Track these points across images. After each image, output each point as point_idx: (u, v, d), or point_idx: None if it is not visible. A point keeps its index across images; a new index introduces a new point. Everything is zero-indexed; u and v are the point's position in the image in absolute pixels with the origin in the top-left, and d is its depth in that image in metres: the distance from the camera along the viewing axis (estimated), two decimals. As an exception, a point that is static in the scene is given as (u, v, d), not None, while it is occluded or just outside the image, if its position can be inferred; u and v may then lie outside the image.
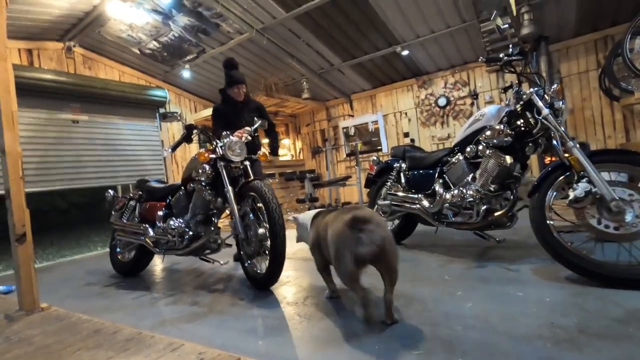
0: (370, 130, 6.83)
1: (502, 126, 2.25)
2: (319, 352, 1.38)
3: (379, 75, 6.34)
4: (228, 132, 2.64)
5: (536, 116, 2.12)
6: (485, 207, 2.33)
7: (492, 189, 2.31)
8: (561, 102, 2.11)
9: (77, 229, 8.39)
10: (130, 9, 4.49)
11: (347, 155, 7.18)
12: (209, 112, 4.59)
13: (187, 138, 2.75)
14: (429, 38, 5.06)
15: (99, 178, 5.37)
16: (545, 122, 2.04)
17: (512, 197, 2.26)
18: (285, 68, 5.96)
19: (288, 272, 2.67)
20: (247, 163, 2.66)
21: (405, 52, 5.39)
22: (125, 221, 3.12)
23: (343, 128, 7.18)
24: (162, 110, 2.57)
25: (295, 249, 3.50)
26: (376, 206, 3.31)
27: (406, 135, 6.50)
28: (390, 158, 3.32)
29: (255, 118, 3.11)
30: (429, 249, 2.87)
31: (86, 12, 4.58)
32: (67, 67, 5.23)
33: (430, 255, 2.68)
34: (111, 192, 3.33)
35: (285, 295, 2.13)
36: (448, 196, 2.51)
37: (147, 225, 2.88)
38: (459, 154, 2.60)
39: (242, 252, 2.42)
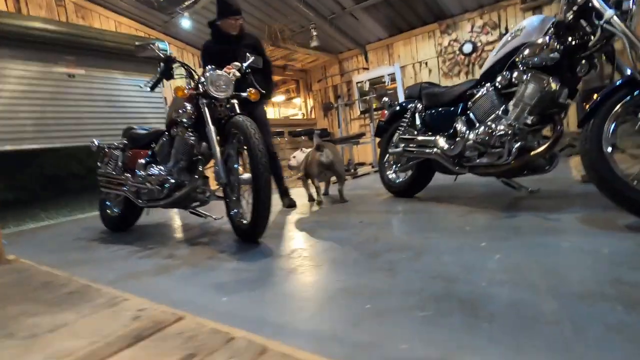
0: (386, 84, 6.25)
1: (547, 38, 1.75)
2: (291, 313, 1.05)
3: (396, 20, 5.67)
4: (213, 66, 2.25)
5: (596, 21, 1.60)
6: (519, 144, 1.87)
7: (530, 122, 1.84)
8: (631, 1, 1.58)
9: (91, 191, 8.45)
10: (115, -57, 4.02)
11: (361, 112, 6.67)
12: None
13: (165, 73, 2.38)
14: (454, -33, 4.37)
15: (100, 135, 5.14)
16: (609, 27, 1.53)
17: (556, 132, 1.79)
18: (291, 13, 5.39)
19: (284, 225, 2.35)
20: (234, 101, 2.27)
21: (426, -12, 4.71)
22: (109, 172, 2.86)
23: (357, 83, 6.63)
24: (137, 43, 2.15)
25: (297, 204, 3.17)
26: (387, 156, 2.90)
27: (426, 87, 5.90)
28: (404, 100, 2.85)
29: (247, 54, 2.69)
30: (446, 200, 2.47)
31: (69, -51, 4.14)
32: (58, 16, 4.87)
33: (448, 206, 2.28)
34: (96, 142, 3.05)
35: (272, 248, 1.81)
36: (472, 135, 2.06)
37: (128, 175, 2.60)
38: (487, 84, 2.12)
39: (226, 201, 2.10)
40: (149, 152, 2.66)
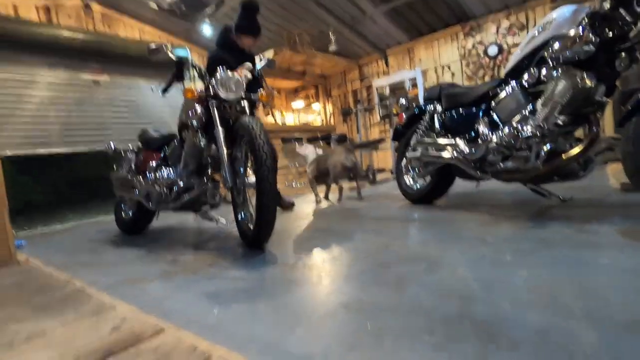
0: (407, 88, 6.09)
1: (580, 30, 1.57)
2: (282, 330, 0.94)
3: (417, 23, 5.52)
4: (223, 67, 2.21)
5: (638, 9, 1.43)
6: (548, 147, 1.70)
7: (561, 123, 1.66)
8: (680, -14, 1.40)
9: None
10: (139, -47, 4.13)
11: (381, 118, 6.52)
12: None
13: (177, 76, 2.37)
14: (478, -34, 4.20)
15: (122, 139, 5.26)
16: (654, 14, 1.35)
17: (591, 133, 1.60)
18: (311, 18, 5.35)
19: (294, 231, 2.25)
20: (245, 103, 2.21)
21: (448, -11, 4.55)
22: (122, 174, 2.86)
23: (377, 88, 6.50)
24: (151, 46, 2.14)
25: (310, 210, 3.07)
26: (404, 160, 2.75)
27: (449, 92, 5.70)
28: (423, 103, 2.71)
29: (261, 56, 2.65)
30: (467, 208, 2.29)
31: (97, -39, 4.29)
32: (85, 26, 5.05)
33: (469, 214, 2.11)
34: (112, 144, 3.08)
35: (277, 256, 1.71)
36: (495, 137, 1.90)
37: (140, 178, 2.59)
38: (512, 83, 1.96)
39: (234, 205, 2.03)
40: (161, 155, 2.65)
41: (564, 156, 1.65)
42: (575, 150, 1.62)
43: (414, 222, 2.15)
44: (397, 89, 6.30)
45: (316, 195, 3.59)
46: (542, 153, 1.70)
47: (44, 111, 4.55)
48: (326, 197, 3.74)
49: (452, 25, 5.44)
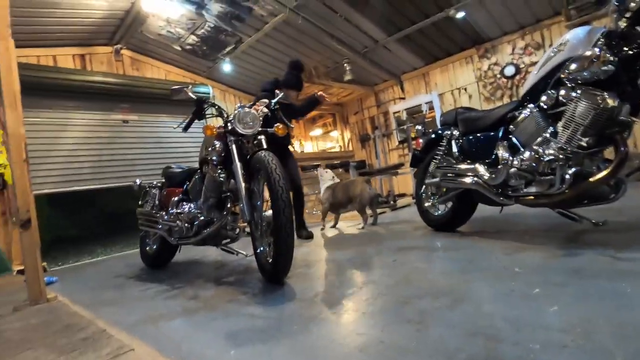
0: (424, 112, 6.09)
1: (596, 50, 1.54)
2: (303, 372, 0.90)
3: (431, 48, 5.59)
4: (241, 104, 2.30)
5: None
6: (573, 170, 1.63)
7: (585, 144, 1.60)
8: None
9: (142, 228, 8.99)
10: (164, 2, 4.46)
11: (400, 142, 6.51)
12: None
13: (198, 114, 2.47)
14: (489, -8, 4.26)
15: (148, 175, 5.48)
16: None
17: (619, 154, 1.53)
18: (325, 50, 5.54)
19: (313, 263, 2.22)
20: (262, 137, 2.27)
21: (460, 15, 4.61)
22: (147, 210, 2.96)
23: (394, 113, 6.54)
24: (173, 88, 2.27)
25: (330, 239, 3.04)
26: (423, 187, 2.70)
27: (467, 113, 5.65)
28: (439, 127, 2.69)
29: (277, 91, 2.75)
30: (492, 235, 2.20)
31: (126, 11, 4.66)
32: (116, 70, 5.43)
33: (494, 242, 2.02)
34: (138, 181, 3.21)
35: (296, 290, 1.69)
36: (516, 161, 1.84)
37: (163, 213, 2.66)
38: (531, 105, 1.92)
39: (252, 238, 2.04)
40: (183, 190, 2.73)
41: (591, 180, 1.57)
42: (603, 173, 1.54)
43: (436, 251, 2.08)
44: (414, 114, 6.31)
45: (324, 223, 3.80)
46: (568, 176, 1.63)
47: (77, 150, 4.83)
48: (334, 226, 3.84)
49: (467, 48, 5.47)
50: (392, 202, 5.07)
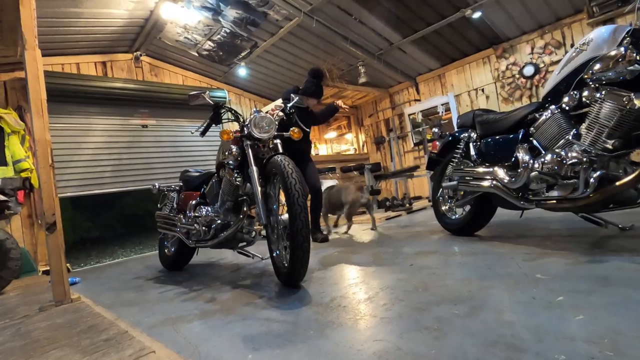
0: (440, 114, 6.01)
1: (622, 49, 1.49)
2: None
3: (447, 49, 5.52)
4: (257, 109, 2.33)
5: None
6: (598, 173, 1.57)
7: (611, 147, 1.55)
8: None
9: (160, 229, 9.23)
10: (181, 9, 4.56)
11: (415, 144, 6.44)
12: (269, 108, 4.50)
13: (215, 118, 2.51)
14: (506, -9, 4.18)
15: (167, 178, 5.60)
16: None
17: (646, 156, 1.47)
18: (339, 53, 5.54)
19: (329, 267, 2.22)
20: (277, 141, 2.29)
21: (477, 15, 4.54)
22: (165, 213, 3.02)
23: (409, 115, 6.48)
24: (191, 93, 2.32)
25: (346, 243, 3.03)
26: (440, 190, 2.67)
27: (484, 115, 5.54)
28: (456, 130, 2.65)
29: (292, 95, 2.78)
30: (512, 240, 2.15)
31: (145, 19, 4.78)
32: (136, 76, 5.58)
33: (515, 247, 1.97)
34: (156, 184, 3.28)
35: (312, 294, 1.69)
36: (537, 164, 1.80)
37: (181, 216, 2.71)
38: (552, 107, 1.87)
39: (269, 242, 2.06)
40: (200, 193, 2.77)
41: (617, 183, 1.51)
42: (630, 176, 1.48)
43: (454, 256, 2.05)
44: (429, 115, 6.24)
45: (328, 226, 3.97)
46: (592, 180, 1.57)
47: (99, 155, 4.98)
48: (335, 225, 4.21)
49: (484, 49, 5.38)
50: (407, 205, 5.01)
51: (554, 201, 1.76)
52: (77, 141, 4.79)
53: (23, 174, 3.85)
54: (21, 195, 3.86)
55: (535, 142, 1.92)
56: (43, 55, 2.36)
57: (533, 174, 1.79)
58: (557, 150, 1.72)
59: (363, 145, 7.45)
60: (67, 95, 4.55)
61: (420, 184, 6.31)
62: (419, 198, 6.11)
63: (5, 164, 3.78)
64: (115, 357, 1.14)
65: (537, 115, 1.96)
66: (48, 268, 3.98)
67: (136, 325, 1.57)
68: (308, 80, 3.43)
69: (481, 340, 0.98)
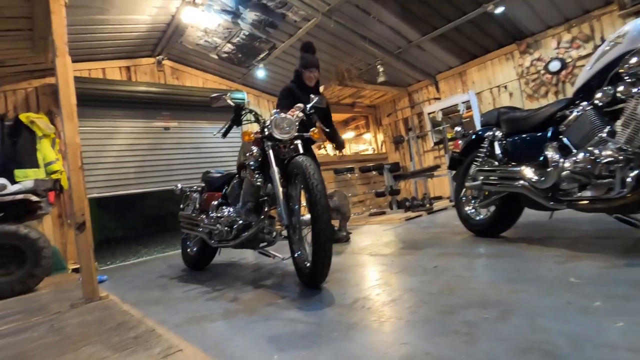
0: (460, 112, 5.88)
1: (661, 41, 1.41)
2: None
3: (468, 46, 5.40)
4: (278, 110, 2.34)
5: None
6: (636, 172, 1.50)
7: (649, 145, 1.47)
8: None
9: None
10: (202, 13, 4.64)
11: (435, 144, 6.33)
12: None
13: (235, 120, 2.54)
14: (531, -16, 4.05)
15: (188, 179, 5.72)
16: None
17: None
18: (357, 52, 5.51)
19: (350, 268, 2.21)
20: (298, 142, 2.29)
21: (499, 10, 4.42)
22: (188, 213, 3.08)
23: (429, 114, 6.37)
24: (213, 95, 2.36)
25: (366, 243, 3.01)
26: (464, 190, 2.61)
27: (507, 112, 5.39)
28: (479, 128, 2.59)
29: (312, 95, 2.77)
30: (541, 242, 2.07)
31: (167, 24, 4.90)
32: (158, 79, 5.72)
33: (544, 249, 1.90)
34: (179, 185, 3.35)
35: (335, 295, 1.68)
36: (568, 163, 1.72)
37: (203, 217, 2.76)
38: (584, 103, 1.79)
39: (290, 242, 2.06)
40: (222, 194, 2.81)
41: (657, 183, 1.43)
42: (671, 175, 1.40)
43: (479, 258, 1.99)
44: (449, 114, 6.12)
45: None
46: (629, 179, 1.50)
47: (123, 157, 5.13)
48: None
49: (507, 44, 5.23)
50: (428, 205, 4.94)
51: (587, 201, 1.68)
52: (103, 144, 4.95)
53: (53, 176, 4.01)
54: (52, 196, 4.02)
55: (565, 140, 1.84)
56: (72, 62, 2.44)
57: (564, 173, 1.72)
58: (590, 149, 1.64)
59: (381, 145, 7.38)
60: (94, 100, 4.70)
61: (441, 184, 6.20)
62: (439, 198, 6.01)
63: (37, 166, 3.94)
64: (145, 355, 1.16)
65: (567, 112, 1.88)
66: (77, 266, 4.14)
67: (162, 323, 1.60)
68: (303, 56, 3.27)
69: (514, 345, 0.95)
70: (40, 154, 3.99)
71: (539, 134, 2.02)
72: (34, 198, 2.96)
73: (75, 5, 3.68)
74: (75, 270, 4.07)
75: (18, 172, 3.78)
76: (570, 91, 4.67)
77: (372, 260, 2.35)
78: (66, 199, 4.34)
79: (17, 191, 2.95)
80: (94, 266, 2.27)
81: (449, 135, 5.92)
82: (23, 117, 4.00)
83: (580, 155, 1.67)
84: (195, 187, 3.20)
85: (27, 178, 3.66)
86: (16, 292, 2.78)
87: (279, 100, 3.21)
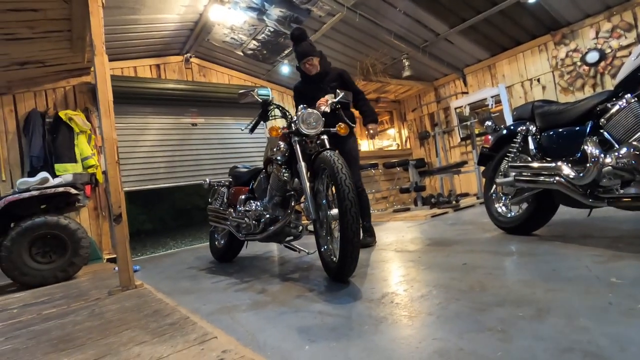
0: (489, 106, 5.71)
1: None
2: (381, 374, 0.90)
3: (498, 38, 5.22)
4: (304, 105, 2.35)
5: None
6: (686, 168, 1.41)
7: (701, 139, 1.38)
8: None
9: (208, 223, 9.73)
10: (229, 11, 4.72)
11: (462, 139, 6.17)
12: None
13: (263, 116, 2.57)
14: (568, -29, 3.86)
15: (215, 174, 5.86)
16: None
17: None
18: (383, 47, 5.44)
19: (377, 263, 2.20)
20: (324, 137, 2.30)
21: (532, 0, 4.24)
22: (216, 207, 3.16)
23: (455, 108, 6.22)
24: (240, 91, 2.41)
25: (391, 239, 2.99)
26: (494, 187, 2.54)
27: (540, 106, 5.17)
28: (512, 123, 2.50)
29: (337, 90, 2.77)
30: (578, 241, 1.99)
31: (195, 22, 5.01)
32: (186, 77, 5.87)
33: (581, 248, 1.83)
34: (207, 180, 3.44)
35: (362, 290, 1.68)
36: (610, 158, 1.64)
37: (231, 210, 2.82)
38: (627, 95, 1.70)
39: (317, 236, 2.08)
40: (249, 189, 2.87)
41: None
42: None
43: (511, 256, 1.94)
44: (477, 108, 5.95)
45: None
46: (678, 176, 1.41)
47: (153, 152, 5.31)
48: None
49: (540, 35, 5.01)
50: (454, 202, 4.83)
51: (630, 199, 1.60)
52: (134, 139, 5.15)
53: (90, 170, 4.22)
54: (88, 189, 4.23)
55: (606, 134, 1.76)
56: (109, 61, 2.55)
57: (606, 169, 1.64)
58: (634, 143, 1.56)
59: (406, 141, 7.28)
60: (126, 97, 4.89)
61: (467, 181, 6.05)
62: (465, 195, 5.86)
63: (75, 160, 4.16)
64: (182, 340, 1.21)
65: (608, 105, 1.79)
66: (112, 256, 4.34)
67: (195, 311, 1.66)
68: (294, 50, 3.02)
69: (553, 345, 0.92)
70: (77, 149, 4.20)
71: (577, 128, 1.93)
72: (74, 191, 3.12)
73: (110, 6, 3.83)
74: (110, 260, 4.28)
75: (58, 167, 4.00)
76: (609, 84, 4.43)
77: (398, 256, 2.33)
78: (101, 192, 4.55)
79: (59, 184, 3.12)
80: (129, 256, 2.37)
81: (476, 131, 5.76)
82: (62, 114, 4.22)
83: (624, 150, 1.59)
84: (223, 182, 3.27)
85: (66, 172, 3.86)
86: (59, 279, 2.95)
87: (295, 102, 3.22)
